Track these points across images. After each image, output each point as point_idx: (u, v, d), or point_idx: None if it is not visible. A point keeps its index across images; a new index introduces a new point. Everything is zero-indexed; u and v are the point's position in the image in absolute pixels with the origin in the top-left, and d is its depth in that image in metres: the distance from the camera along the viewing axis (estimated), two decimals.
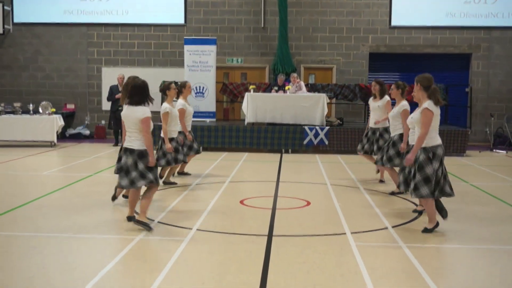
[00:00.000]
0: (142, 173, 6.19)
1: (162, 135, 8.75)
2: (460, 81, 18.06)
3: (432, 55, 18.07)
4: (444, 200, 8.35)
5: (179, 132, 9.28)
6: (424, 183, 6.17)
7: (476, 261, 5.34)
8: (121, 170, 6.33)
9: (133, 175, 6.19)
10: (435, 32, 17.82)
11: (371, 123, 9.60)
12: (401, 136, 8.45)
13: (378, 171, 9.86)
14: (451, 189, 6.41)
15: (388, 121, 8.98)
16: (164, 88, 9.02)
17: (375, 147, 9.50)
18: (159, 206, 7.60)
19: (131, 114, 6.19)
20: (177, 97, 9.56)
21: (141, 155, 6.20)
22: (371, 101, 9.72)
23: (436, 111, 6.20)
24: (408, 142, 6.88)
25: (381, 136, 9.41)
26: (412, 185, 6.29)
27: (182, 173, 10.25)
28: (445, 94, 16.00)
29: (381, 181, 9.78)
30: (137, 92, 6.18)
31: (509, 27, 17.68)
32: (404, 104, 8.60)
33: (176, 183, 9.31)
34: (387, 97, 9.45)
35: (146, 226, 6.21)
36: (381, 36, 17.90)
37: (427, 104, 6.17)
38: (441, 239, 6.17)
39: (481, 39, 17.77)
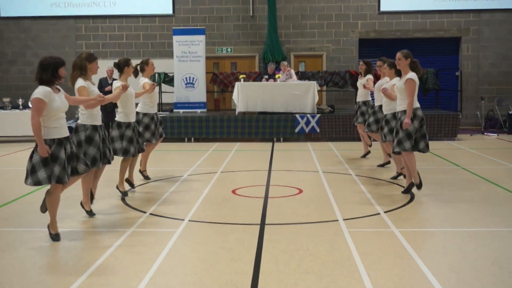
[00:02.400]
0: (399, 139, 7.36)
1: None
2: (450, 65, 18.09)
3: (422, 40, 18.07)
4: (436, 182, 8.41)
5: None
6: (407, 138, 7.18)
7: (467, 244, 5.36)
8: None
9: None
10: (424, 16, 17.81)
11: (358, 98, 10.91)
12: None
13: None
14: (427, 146, 7.39)
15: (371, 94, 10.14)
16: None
17: (365, 118, 10.43)
18: (150, 198, 7.58)
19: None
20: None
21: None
22: (358, 80, 11.08)
23: (418, 80, 7.26)
24: (382, 109, 8.48)
25: (359, 107, 10.74)
26: (395, 141, 7.30)
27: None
28: (436, 78, 16.03)
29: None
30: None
31: (498, 10, 17.71)
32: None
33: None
34: (369, 76, 10.71)
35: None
36: (370, 22, 17.88)
37: (412, 75, 7.18)
38: (432, 223, 6.19)
39: (471, 22, 17.78)
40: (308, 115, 14.18)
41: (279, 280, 4.45)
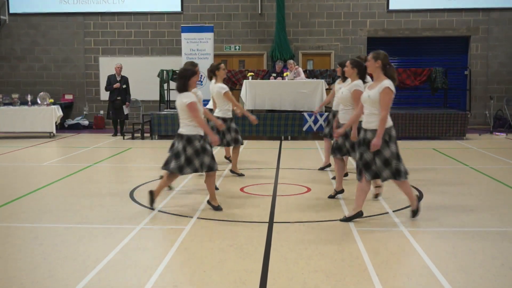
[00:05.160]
0: (188, 158, 6.46)
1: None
2: (459, 64, 18.00)
3: (431, 39, 17.98)
4: (444, 181, 8.37)
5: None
6: (384, 167, 5.87)
7: (477, 244, 5.34)
8: (172, 152, 6.60)
9: (182, 160, 6.46)
10: (433, 15, 17.72)
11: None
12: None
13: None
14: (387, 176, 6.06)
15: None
16: (214, 69, 8.78)
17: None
18: (159, 195, 7.58)
19: (178, 101, 6.48)
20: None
21: (189, 140, 6.41)
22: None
23: (395, 91, 5.89)
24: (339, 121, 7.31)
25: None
26: (372, 172, 5.97)
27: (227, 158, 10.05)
28: (444, 77, 15.96)
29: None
30: (179, 79, 6.47)
31: (508, 8, 17.58)
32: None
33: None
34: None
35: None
36: (379, 20, 17.81)
37: (389, 83, 5.82)
38: (441, 222, 6.17)
39: (480, 21, 17.68)
40: (316, 114, 14.14)
41: (288, 278, 4.45)
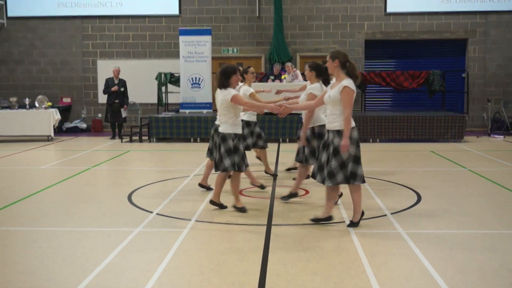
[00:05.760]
0: (221, 156, 6.55)
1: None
2: (456, 66, 18.03)
3: (428, 41, 18.03)
4: (443, 184, 8.39)
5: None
6: (340, 169, 5.75)
7: (475, 246, 5.35)
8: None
9: (217, 157, 6.67)
10: (430, 18, 17.77)
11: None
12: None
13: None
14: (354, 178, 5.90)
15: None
16: (242, 72, 8.78)
17: None
18: (157, 198, 7.59)
19: (218, 97, 6.60)
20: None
21: (224, 138, 6.53)
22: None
23: (355, 90, 5.80)
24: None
25: None
26: (326, 172, 5.84)
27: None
28: (442, 80, 16.00)
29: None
30: (220, 76, 6.58)
31: (505, 11, 17.63)
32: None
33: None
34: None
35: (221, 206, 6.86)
36: (377, 23, 17.85)
37: (348, 82, 5.74)
38: (439, 224, 6.18)
39: (477, 23, 17.72)
40: None
41: (286, 280, 4.45)
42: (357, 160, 5.79)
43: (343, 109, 5.72)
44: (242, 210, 6.75)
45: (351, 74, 5.85)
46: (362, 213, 6.11)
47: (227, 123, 6.58)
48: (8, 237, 5.81)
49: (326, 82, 7.16)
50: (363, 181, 5.89)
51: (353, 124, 5.80)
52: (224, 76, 6.58)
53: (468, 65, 17.84)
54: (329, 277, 4.51)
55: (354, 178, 5.80)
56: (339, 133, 5.74)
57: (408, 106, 17.77)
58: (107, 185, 9.17)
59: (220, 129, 6.64)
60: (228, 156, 6.55)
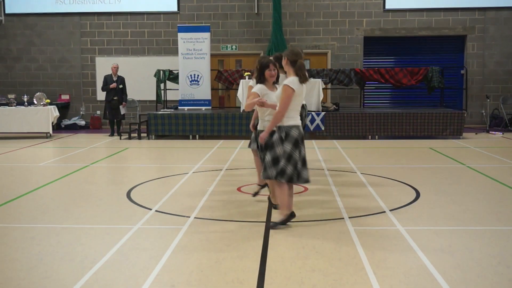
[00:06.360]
0: (265, 165, 5.96)
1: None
2: (455, 63, 18.04)
3: (427, 38, 18.02)
4: (441, 180, 8.39)
5: None
6: (272, 164, 5.76)
7: (473, 242, 5.35)
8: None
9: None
10: (429, 14, 17.75)
11: None
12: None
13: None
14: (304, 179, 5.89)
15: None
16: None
17: None
18: (156, 195, 7.59)
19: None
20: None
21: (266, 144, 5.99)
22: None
23: (299, 89, 5.75)
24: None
25: None
26: (262, 166, 5.96)
27: None
28: (441, 76, 15.99)
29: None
30: (256, 71, 6.32)
31: (504, 8, 17.63)
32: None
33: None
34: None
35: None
36: (376, 19, 17.83)
37: (290, 80, 5.73)
38: (438, 221, 6.18)
39: (476, 20, 17.72)
40: (313, 113, 14.17)
41: (285, 277, 4.45)
42: (289, 159, 5.75)
43: (281, 105, 5.74)
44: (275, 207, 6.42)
45: (296, 72, 5.78)
46: (291, 215, 5.92)
47: (265, 122, 6.29)
48: (6, 234, 5.80)
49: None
50: (290, 181, 5.80)
51: (296, 123, 5.81)
52: (257, 71, 6.27)
53: (466, 61, 17.83)
54: (328, 274, 4.51)
55: (281, 175, 5.78)
56: (279, 129, 5.78)
57: (407, 103, 17.78)
58: (106, 182, 9.16)
59: (259, 128, 6.41)
60: (274, 165, 6.11)
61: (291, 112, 5.78)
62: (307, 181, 5.89)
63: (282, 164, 5.75)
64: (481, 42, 17.78)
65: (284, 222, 5.90)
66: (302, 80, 5.76)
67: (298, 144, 5.78)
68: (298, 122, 5.84)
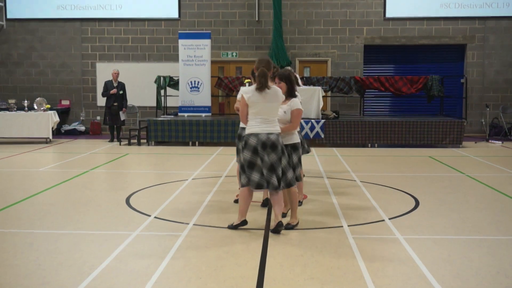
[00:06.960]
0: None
1: None
2: (455, 72, 18.07)
3: (427, 47, 18.06)
4: (441, 189, 8.38)
5: None
6: (242, 171, 5.92)
7: (473, 252, 5.35)
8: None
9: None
10: (429, 23, 17.81)
11: None
12: None
13: None
14: (279, 183, 5.86)
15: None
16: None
17: None
18: (155, 201, 7.58)
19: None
20: None
21: (294, 147, 6.33)
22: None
23: (254, 97, 5.77)
24: None
25: None
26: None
27: None
28: (441, 85, 16.03)
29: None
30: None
31: (504, 17, 17.69)
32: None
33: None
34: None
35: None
36: (376, 28, 17.88)
37: (244, 89, 5.95)
38: (437, 230, 6.18)
39: (476, 29, 17.77)
40: (312, 121, 14.18)
41: (284, 285, 4.44)
42: (252, 166, 5.83)
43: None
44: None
45: (259, 80, 5.83)
46: (243, 223, 6.05)
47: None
48: (5, 239, 5.79)
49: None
50: (259, 188, 5.88)
51: (254, 131, 5.81)
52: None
53: (466, 70, 17.87)
54: (327, 283, 4.50)
55: (248, 182, 5.89)
56: (240, 137, 6.17)
57: (406, 111, 17.80)
58: (105, 188, 9.16)
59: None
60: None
61: (251, 120, 5.86)
62: (277, 188, 5.86)
63: (247, 172, 5.87)
64: (481, 51, 17.82)
65: (236, 227, 6.07)
66: (258, 87, 5.80)
67: (257, 151, 5.79)
68: (257, 130, 5.79)
